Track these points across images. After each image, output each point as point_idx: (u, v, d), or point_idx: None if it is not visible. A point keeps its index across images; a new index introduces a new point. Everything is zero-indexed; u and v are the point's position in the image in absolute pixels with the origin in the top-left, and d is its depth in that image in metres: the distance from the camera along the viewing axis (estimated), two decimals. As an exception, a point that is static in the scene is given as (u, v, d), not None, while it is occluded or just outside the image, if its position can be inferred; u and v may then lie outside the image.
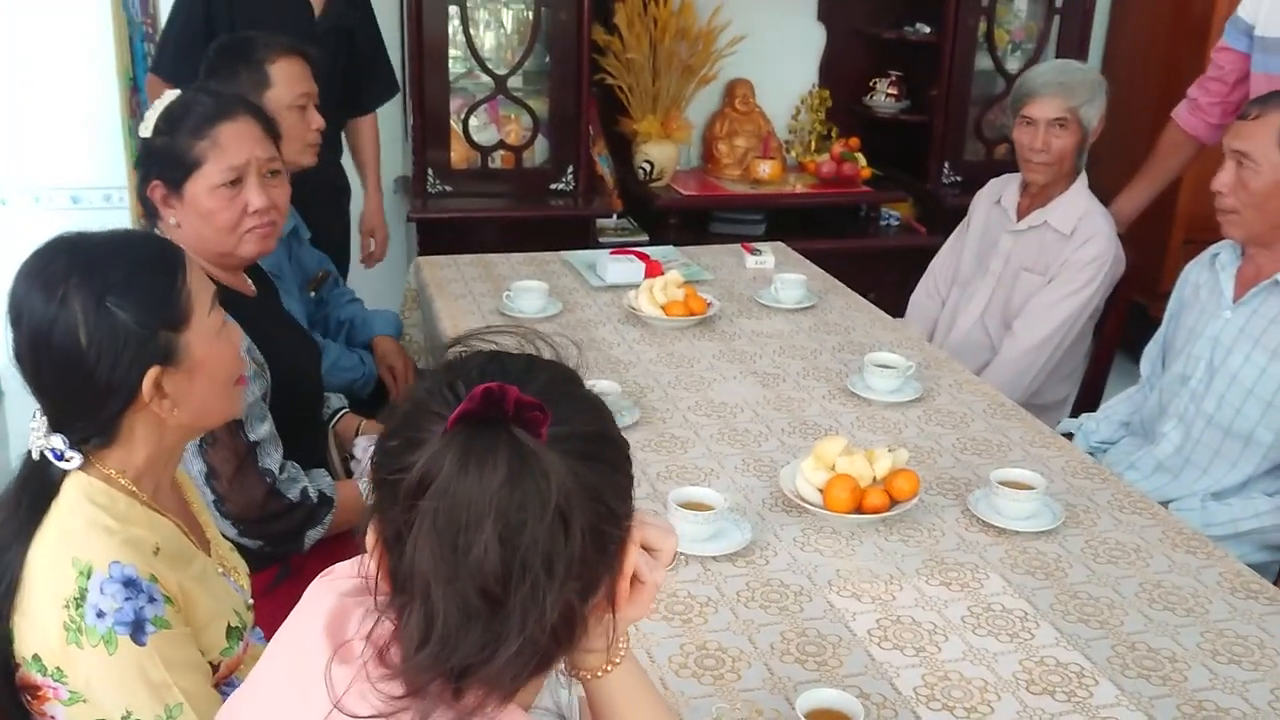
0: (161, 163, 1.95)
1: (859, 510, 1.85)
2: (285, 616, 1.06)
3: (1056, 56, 4.31)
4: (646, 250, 3.13)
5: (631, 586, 1.01)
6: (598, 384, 2.18)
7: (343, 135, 3.41)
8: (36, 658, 1.32)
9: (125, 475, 1.40)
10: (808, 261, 3.22)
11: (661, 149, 4.17)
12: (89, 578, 1.30)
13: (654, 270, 2.89)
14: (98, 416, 1.36)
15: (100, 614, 1.30)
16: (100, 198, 3.81)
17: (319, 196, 3.21)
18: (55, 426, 1.36)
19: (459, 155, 4.02)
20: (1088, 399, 3.01)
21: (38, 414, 1.37)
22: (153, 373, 1.36)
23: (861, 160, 4.35)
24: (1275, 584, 2.12)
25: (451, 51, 3.91)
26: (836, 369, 2.47)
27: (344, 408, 2.46)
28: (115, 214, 3.72)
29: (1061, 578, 1.75)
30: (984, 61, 4.37)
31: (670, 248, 3.32)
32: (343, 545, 1.90)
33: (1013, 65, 4.34)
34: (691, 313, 2.65)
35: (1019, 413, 2.33)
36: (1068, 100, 2.82)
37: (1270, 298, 2.27)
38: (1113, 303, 2.96)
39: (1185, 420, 2.38)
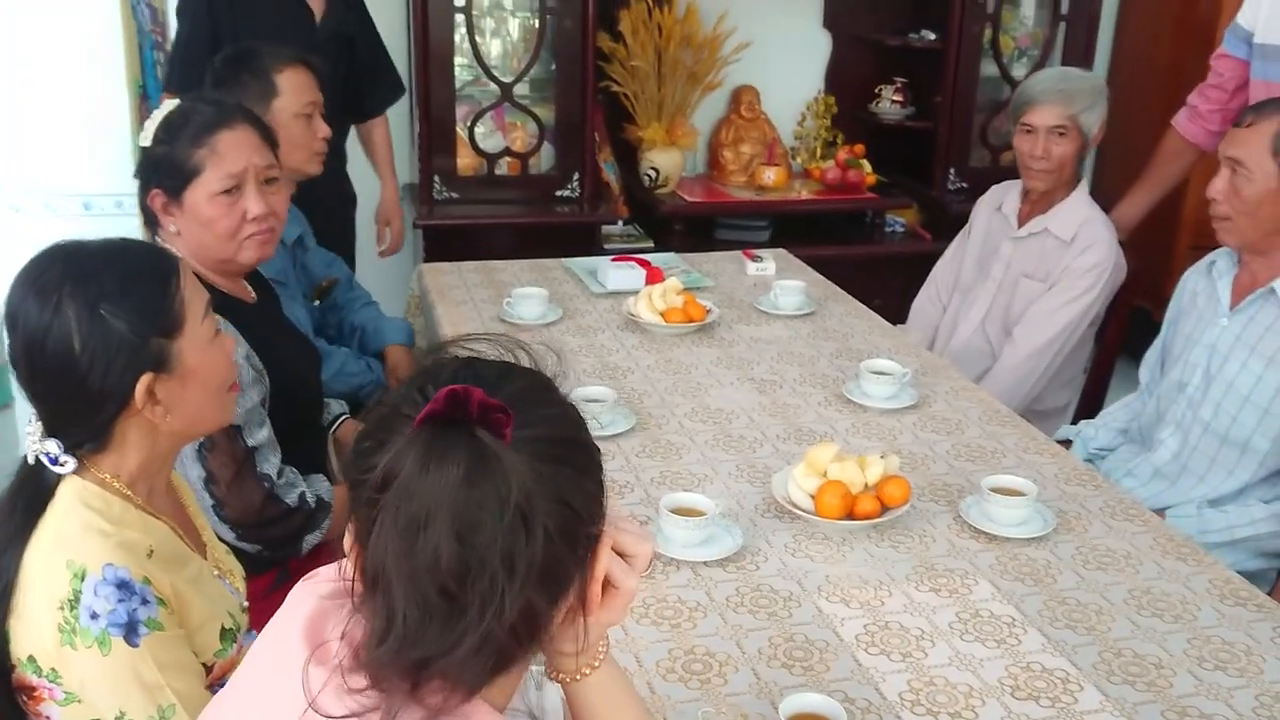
0: (161, 171, 1.97)
1: (850, 516, 1.86)
2: None
3: (1062, 63, 4.31)
4: (648, 257, 3.14)
5: (606, 591, 1.03)
6: (594, 390, 2.21)
7: (346, 144, 3.44)
8: (32, 659, 1.34)
9: (119, 479, 1.42)
10: (809, 268, 3.23)
11: (666, 156, 4.19)
12: (83, 580, 1.32)
13: (655, 277, 2.91)
14: (91, 422, 1.38)
15: (94, 616, 1.32)
16: (112, 204, 3.84)
17: (324, 203, 3.24)
18: (50, 431, 1.38)
19: (465, 162, 4.04)
20: (1089, 406, 3.02)
21: (33, 419, 1.39)
22: (145, 379, 1.38)
23: (866, 167, 4.36)
24: (1272, 590, 2.13)
25: (457, 59, 3.94)
26: (834, 375, 2.49)
27: (345, 414, 2.48)
28: (126, 220, 3.75)
29: (1051, 584, 1.76)
30: (989, 68, 4.38)
31: (671, 254, 3.34)
32: (341, 549, 1.92)
33: (1018, 72, 4.34)
34: (690, 319, 2.67)
35: (1014, 419, 2.34)
36: (1068, 108, 2.83)
37: (1266, 305, 2.28)
38: (1113, 309, 2.96)
39: (1182, 427, 2.39)
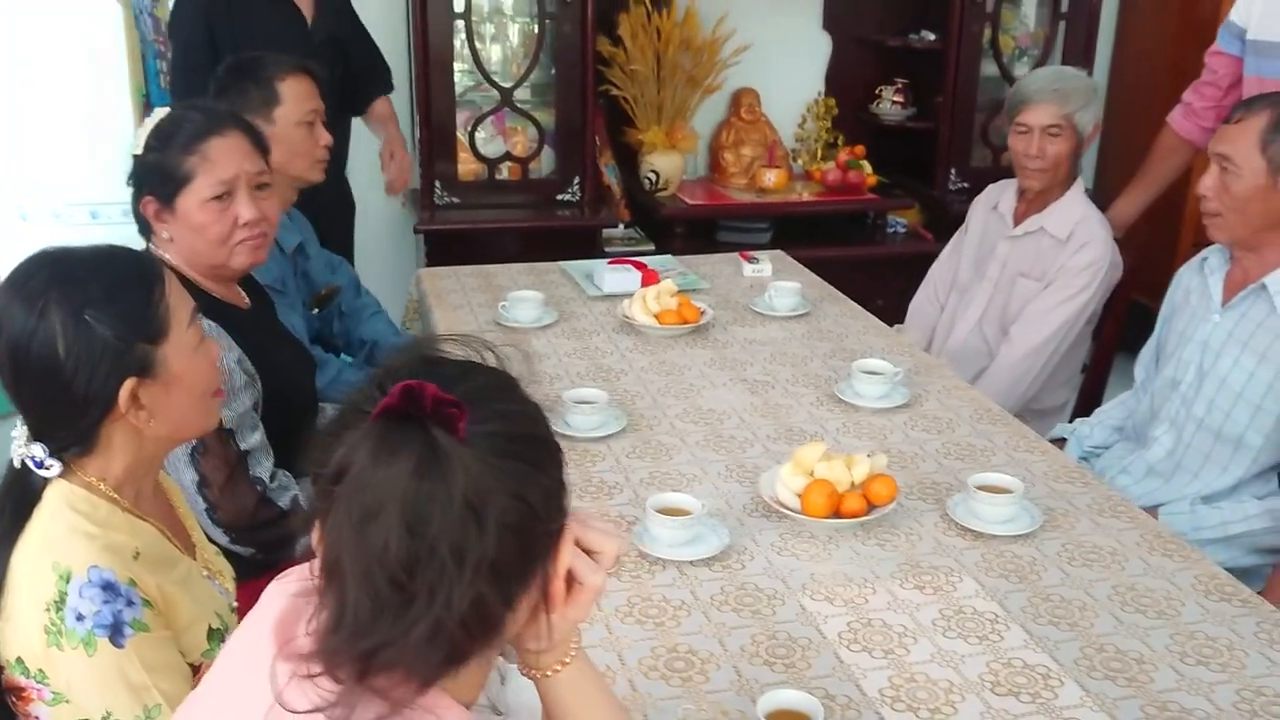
0: (153, 178, 2.00)
1: (836, 515, 1.87)
2: None
3: (1062, 62, 4.31)
4: (644, 259, 3.16)
5: (571, 588, 1.04)
6: (585, 392, 2.22)
7: (348, 149, 3.47)
8: (20, 660, 1.36)
9: (106, 482, 1.44)
10: (805, 269, 3.24)
11: (667, 159, 4.21)
12: (68, 582, 1.34)
13: (650, 279, 2.92)
14: (76, 426, 1.40)
15: (80, 617, 1.34)
16: (119, 213, 3.83)
17: (327, 210, 3.27)
18: (36, 435, 1.40)
19: (466, 167, 4.07)
20: (1087, 404, 3.02)
21: (19, 423, 1.42)
22: (129, 384, 1.40)
23: (867, 168, 4.36)
24: (1265, 585, 2.13)
25: (458, 65, 3.97)
26: (826, 376, 2.49)
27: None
28: (134, 229, 3.80)
29: (1035, 581, 1.76)
30: (989, 68, 4.39)
31: (668, 257, 3.35)
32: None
33: (1019, 71, 4.35)
34: (684, 321, 2.68)
35: (1006, 418, 2.34)
36: (1062, 107, 2.83)
37: (1257, 301, 2.28)
38: (1110, 307, 2.96)
39: (1176, 424, 2.39)
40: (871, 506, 1.89)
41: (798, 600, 1.70)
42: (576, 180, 4.09)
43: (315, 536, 0.99)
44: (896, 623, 1.65)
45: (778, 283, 2.92)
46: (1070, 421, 2.80)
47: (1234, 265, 2.36)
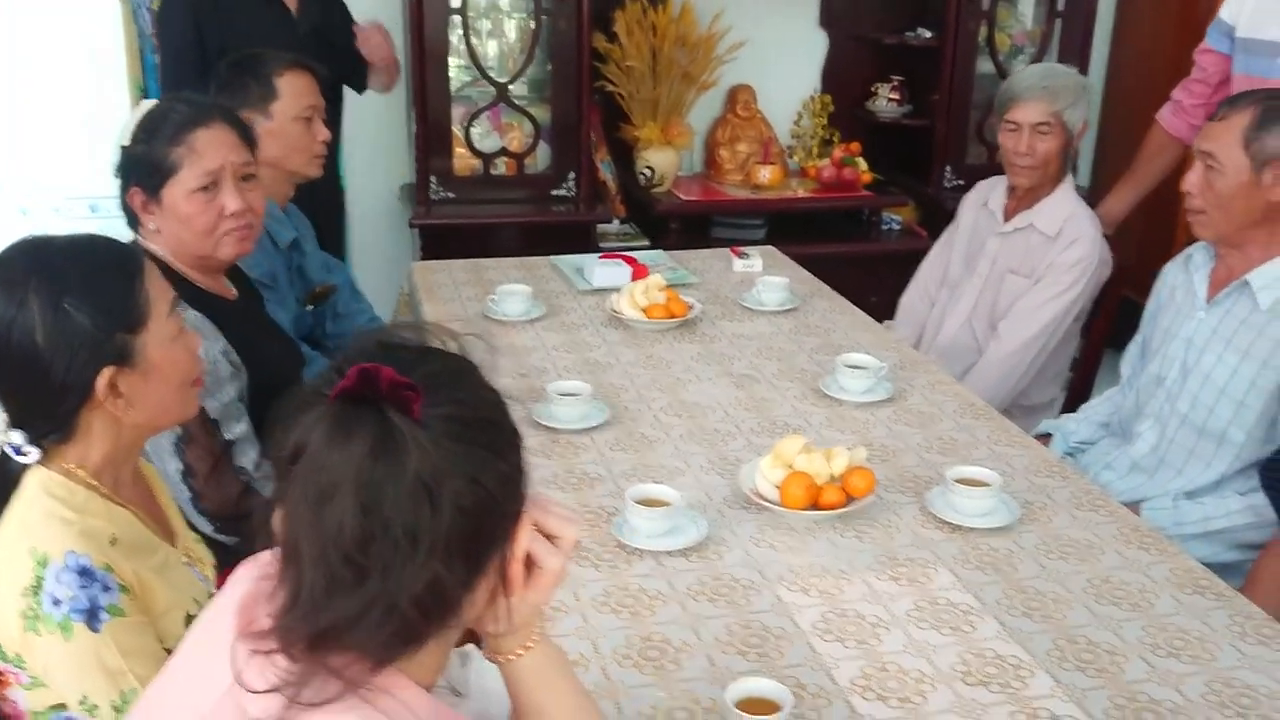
0: (140, 170, 2.02)
1: (815, 507, 1.88)
2: None
3: (1059, 60, 4.31)
4: (635, 254, 3.17)
5: (531, 572, 1.05)
6: (570, 385, 2.24)
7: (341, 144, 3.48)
8: (-2, 645, 1.38)
9: (85, 469, 1.45)
10: (795, 264, 3.25)
11: (662, 155, 4.21)
12: (45, 567, 1.36)
13: (640, 274, 2.93)
14: (54, 414, 1.42)
15: (56, 602, 1.35)
16: (118, 206, 3.90)
17: (324, 207, 3.29)
18: (14, 423, 1.42)
19: (462, 162, 4.08)
20: (1075, 401, 3.03)
21: (-1, 411, 1.43)
22: (107, 373, 1.42)
23: (862, 165, 4.37)
24: (1245, 581, 2.14)
25: (454, 60, 3.98)
26: (812, 370, 2.50)
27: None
28: (131, 221, 3.83)
29: (1011, 573, 1.77)
30: (985, 65, 4.39)
31: (659, 252, 3.37)
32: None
33: (1015, 69, 4.33)
34: (672, 315, 2.69)
35: (989, 413, 2.35)
36: (1051, 104, 2.84)
37: (1241, 298, 2.28)
38: (1100, 304, 2.97)
39: (1160, 420, 2.40)
40: (850, 499, 1.90)
41: (774, 591, 1.71)
42: (572, 176, 4.10)
43: (277, 520, 1.00)
44: (871, 613, 1.66)
45: (766, 278, 2.93)
46: (1059, 417, 2.81)
47: (1218, 262, 2.37)
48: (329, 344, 2.92)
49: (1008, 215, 2.98)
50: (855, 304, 2.99)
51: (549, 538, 1.07)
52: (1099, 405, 2.67)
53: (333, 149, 3.37)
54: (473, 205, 4.05)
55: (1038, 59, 4.37)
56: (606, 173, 4.28)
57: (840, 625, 1.63)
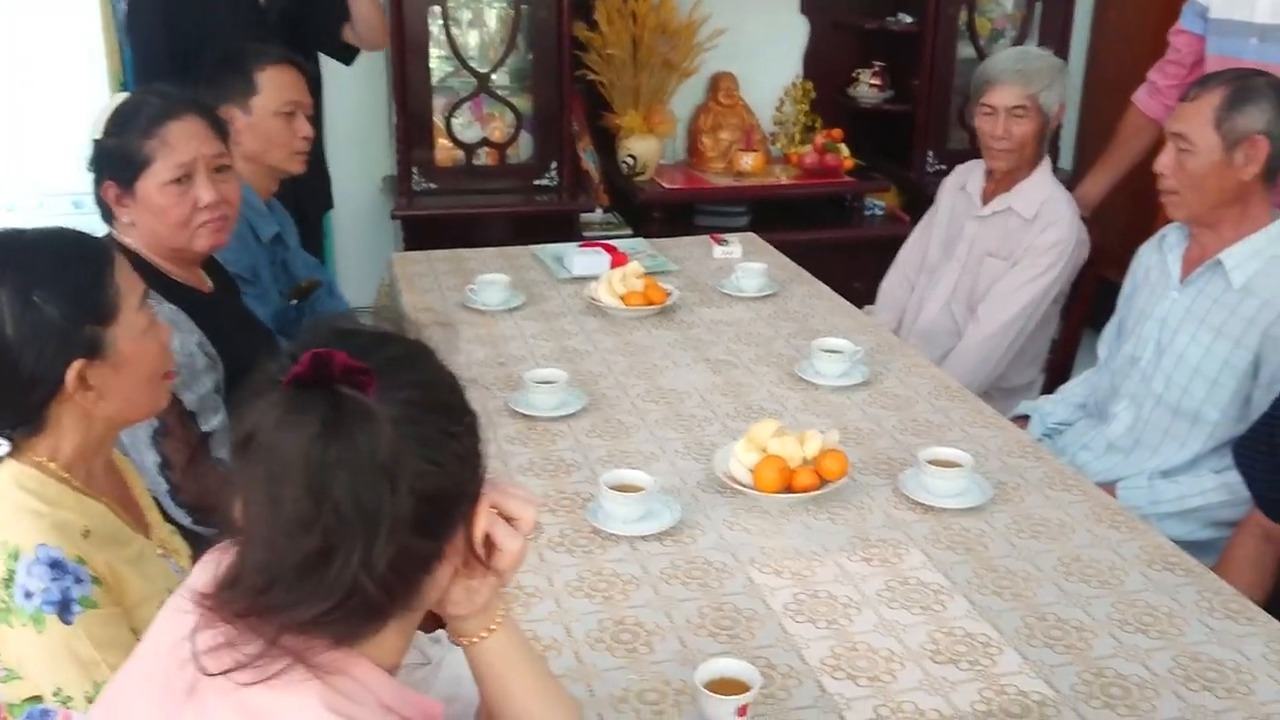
0: (113, 163, 2.02)
1: (788, 490, 1.89)
2: None
3: (1039, 44, 4.32)
4: (614, 242, 3.18)
5: (491, 554, 1.06)
6: (546, 372, 2.25)
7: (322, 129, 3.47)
8: (-29, 638, 1.39)
9: (56, 461, 1.46)
10: (775, 251, 3.26)
11: (644, 143, 4.22)
12: (16, 560, 1.37)
13: (620, 262, 2.94)
14: (24, 406, 1.42)
15: (28, 594, 1.36)
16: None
17: (313, 201, 3.29)
18: (-15, 416, 1.43)
19: (444, 153, 4.08)
20: (1054, 382, 3.04)
21: (-33, 403, 1.44)
22: (77, 365, 1.42)
23: (844, 151, 4.37)
24: (1218, 559, 2.16)
25: (434, 51, 3.98)
26: (789, 355, 2.51)
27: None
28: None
29: (982, 552, 1.79)
30: (966, 50, 4.40)
31: (639, 240, 3.37)
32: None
33: (995, 53, 4.34)
34: (650, 302, 2.70)
35: (964, 395, 2.36)
36: (1027, 87, 2.85)
37: (1214, 278, 2.30)
38: (1078, 286, 2.98)
39: (1136, 400, 2.41)
40: (823, 481, 1.91)
41: (746, 573, 1.73)
42: (554, 165, 4.11)
43: (238, 507, 1.01)
44: (842, 594, 1.68)
45: (744, 264, 2.94)
46: (1037, 399, 2.82)
47: (1192, 242, 2.38)
48: None
49: (985, 199, 2.99)
50: (839, 289, 3.00)
51: (509, 520, 1.08)
52: (1076, 386, 2.68)
53: (319, 144, 3.37)
54: (455, 196, 4.06)
55: (1019, 43, 4.37)
56: (589, 162, 4.28)
57: (811, 606, 1.65)
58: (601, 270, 2.88)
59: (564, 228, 4.00)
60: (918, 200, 4.39)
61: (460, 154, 4.10)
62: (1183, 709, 1.45)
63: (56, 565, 1.38)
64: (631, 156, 4.21)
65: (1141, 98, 3.14)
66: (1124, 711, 1.44)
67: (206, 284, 2.20)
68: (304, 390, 0.93)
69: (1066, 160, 4.81)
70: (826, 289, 2.97)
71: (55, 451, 1.46)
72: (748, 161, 4.27)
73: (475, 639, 1.13)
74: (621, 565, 1.74)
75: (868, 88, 4.54)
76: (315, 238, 3.44)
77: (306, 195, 3.15)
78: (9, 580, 1.36)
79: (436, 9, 3.92)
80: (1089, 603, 1.66)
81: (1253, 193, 2.24)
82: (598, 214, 4.29)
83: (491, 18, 4.08)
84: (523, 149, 4.16)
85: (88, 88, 3.88)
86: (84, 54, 3.96)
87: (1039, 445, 2.21)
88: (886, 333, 2.79)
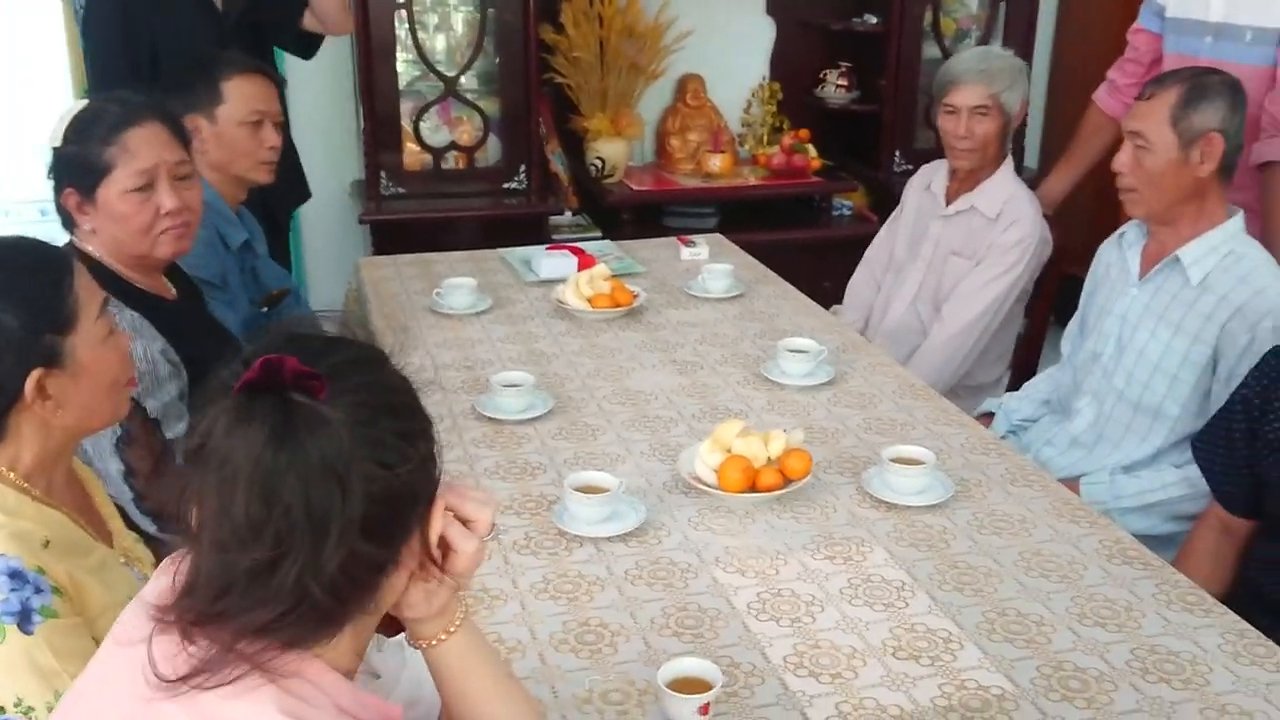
0: (73, 171, 2.01)
1: (752, 490, 1.90)
2: None
3: (1004, 43, 4.35)
4: (582, 245, 3.19)
5: (447, 556, 1.07)
6: (512, 375, 2.25)
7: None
8: (-69, 648, 1.38)
9: (15, 472, 1.45)
10: (742, 252, 3.28)
11: (612, 146, 4.23)
12: (-25, 570, 1.36)
13: (587, 264, 2.95)
14: (-18, 415, 1.42)
15: (-12, 605, 1.36)
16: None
17: (283, 203, 3.27)
18: (-58, 426, 1.42)
19: (411, 157, 4.08)
20: (1020, 379, 3.06)
21: (-74, 413, 1.43)
22: (35, 374, 1.42)
23: (811, 151, 4.40)
24: (1178, 553, 2.18)
25: (401, 55, 3.98)
26: (755, 355, 2.53)
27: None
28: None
29: (944, 549, 1.80)
30: (932, 50, 4.43)
31: (606, 242, 3.38)
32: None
33: (960, 52, 4.37)
34: (617, 304, 2.71)
35: (929, 393, 2.38)
36: (989, 87, 2.88)
37: (1172, 274, 2.32)
38: (1040, 283, 3.01)
39: (1098, 396, 2.44)
40: (787, 481, 1.92)
41: (710, 573, 1.74)
42: (523, 168, 4.12)
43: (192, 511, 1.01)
44: (805, 592, 1.69)
45: (711, 265, 2.95)
46: (1001, 396, 2.84)
47: (1150, 239, 2.40)
48: None
49: (949, 198, 3.02)
50: (808, 289, 3.02)
51: (465, 522, 1.08)
52: (1040, 383, 2.71)
53: (291, 152, 3.36)
54: (424, 200, 4.06)
55: (983, 42, 4.41)
56: (558, 164, 4.29)
57: (775, 604, 1.66)
58: (569, 273, 2.89)
59: (533, 231, 4.01)
60: (885, 200, 4.41)
61: (428, 158, 4.10)
62: (1140, 700, 1.47)
63: (16, 575, 1.37)
64: (600, 159, 4.22)
65: (1102, 96, 3.18)
66: (1082, 704, 1.46)
67: (170, 291, 2.20)
68: (255, 396, 0.94)
69: (1032, 159, 4.84)
70: (793, 289, 2.99)
71: (15, 461, 1.45)
72: (716, 163, 4.29)
73: (434, 642, 1.13)
74: (587, 566, 1.75)
75: (834, 88, 4.56)
76: (283, 239, 3.43)
77: (276, 200, 3.14)
78: (-32, 591, 1.36)
79: (403, 13, 3.92)
80: (1049, 597, 1.68)
81: (1209, 190, 2.27)
82: (567, 217, 4.30)
83: (458, 21, 4.09)
84: (491, 152, 4.16)
85: (52, 94, 3.86)
86: (48, 60, 3.94)
87: (1001, 442, 2.23)
88: (852, 332, 2.80)
